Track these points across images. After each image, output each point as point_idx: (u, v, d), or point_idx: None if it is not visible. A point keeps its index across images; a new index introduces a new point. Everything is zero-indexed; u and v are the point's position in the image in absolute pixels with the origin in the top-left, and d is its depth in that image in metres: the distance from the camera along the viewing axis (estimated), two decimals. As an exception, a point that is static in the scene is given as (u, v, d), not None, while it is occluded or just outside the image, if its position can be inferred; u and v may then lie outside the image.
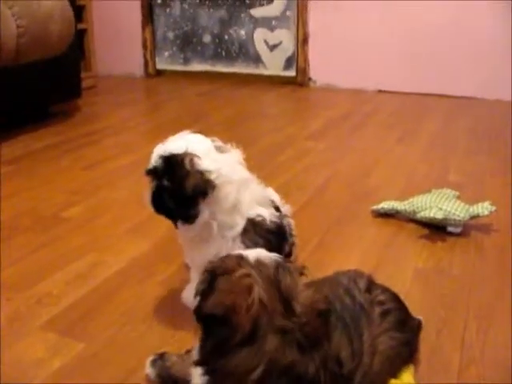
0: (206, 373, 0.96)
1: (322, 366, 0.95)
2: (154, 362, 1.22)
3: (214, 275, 0.98)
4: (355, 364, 1.03)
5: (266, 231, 1.43)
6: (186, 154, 1.34)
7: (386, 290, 1.22)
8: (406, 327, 1.18)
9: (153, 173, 1.38)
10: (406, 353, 1.18)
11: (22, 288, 1.60)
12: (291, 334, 0.93)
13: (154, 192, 1.39)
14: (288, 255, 1.55)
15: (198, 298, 0.99)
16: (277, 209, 1.54)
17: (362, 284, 1.18)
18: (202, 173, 1.33)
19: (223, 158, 1.42)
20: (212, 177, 1.33)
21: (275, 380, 0.92)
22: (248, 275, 0.95)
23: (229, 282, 0.95)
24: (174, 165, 1.34)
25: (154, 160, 1.36)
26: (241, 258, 0.99)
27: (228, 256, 1.02)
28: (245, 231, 1.41)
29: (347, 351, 1.03)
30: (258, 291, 0.93)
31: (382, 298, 1.17)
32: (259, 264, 0.98)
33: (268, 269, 0.97)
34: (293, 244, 1.60)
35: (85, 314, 1.48)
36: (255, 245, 1.37)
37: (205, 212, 1.36)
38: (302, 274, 1.01)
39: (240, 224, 1.41)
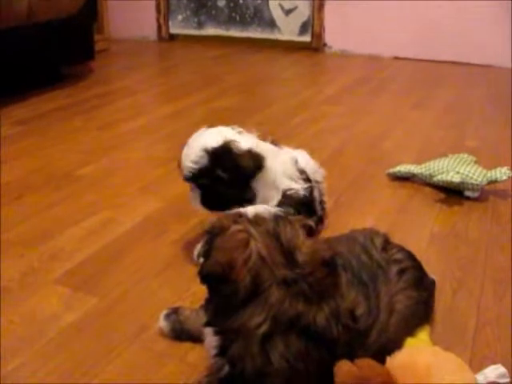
0: (216, 333, 0.96)
1: (333, 319, 0.94)
2: (167, 316, 1.21)
3: (213, 235, 0.98)
4: (371, 321, 1.02)
5: (296, 202, 1.45)
6: (228, 141, 1.37)
7: (401, 248, 1.20)
8: (422, 286, 1.17)
9: (201, 172, 1.38)
10: (422, 312, 1.16)
11: (35, 244, 1.60)
12: (295, 284, 0.92)
13: (205, 191, 1.41)
14: (319, 222, 1.58)
15: (202, 260, 0.99)
16: (307, 179, 1.54)
17: (379, 242, 1.17)
18: (249, 151, 1.38)
19: (249, 139, 1.44)
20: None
21: (284, 334, 0.91)
22: (243, 230, 0.94)
23: (224, 240, 0.95)
24: (223, 154, 1.36)
25: (195, 161, 1.37)
26: (238, 215, 0.99)
27: (225, 215, 1.01)
28: (279, 204, 1.43)
29: (363, 308, 1.02)
30: (255, 244, 0.92)
31: (398, 256, 1.15)
32: (257, 219, 0.98)
33: (267, 222, 0.97)
34: (323, 210, 1.61)
35: (98, 269, 1.47)
36: None
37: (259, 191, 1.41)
38: (303, 225, 1.00)
39: (276, 197, 1.43)
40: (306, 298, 0.92)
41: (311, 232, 1.03)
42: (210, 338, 0.99)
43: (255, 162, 1.38)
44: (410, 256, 1.20)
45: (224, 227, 0.96)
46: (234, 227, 0.95)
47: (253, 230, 0.94)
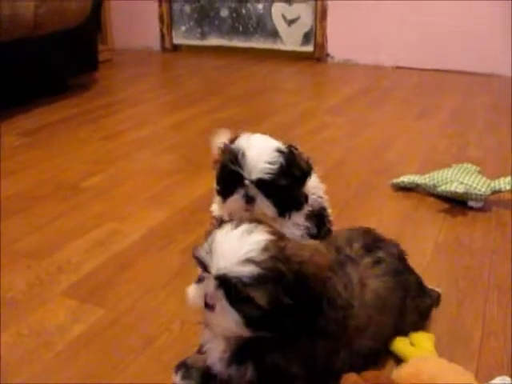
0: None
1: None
2: (185, 377, 1.09)
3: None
4: (349, 294, 1.07)
5: (313, 216, 1.45)
6: (291, 144, 1.38)
7: (391, 254, 1.21)
8: (401, 276, 1.18)
9: (281, 172, 1.32)
10: (402, 296, 1.18)
11: (42, 256, 1.61)
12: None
13: (278, 194, 1.35)
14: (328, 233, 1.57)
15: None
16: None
17: (358, 244, 1.18)
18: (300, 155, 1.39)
19: None
20: None
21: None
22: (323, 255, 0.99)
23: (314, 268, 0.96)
24: (294, 155, 1.35)
25: (272, 162, 1.30)
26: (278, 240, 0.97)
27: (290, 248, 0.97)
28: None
29: (340, 284, 1.06)
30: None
31: (380, 254, 1.17)
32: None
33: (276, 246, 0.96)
34: (329, 222, 1.62)
35: (104, 281, 1.48)
36: (306, 228, 1.41)
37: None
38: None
39: (305, 208, 1.42)
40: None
41: None
42: (218, 350, 1.00)
43: (310, 166, 1.39)
44: (396, 255, 1.22)
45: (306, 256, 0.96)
46: (322, 259, 0.99)
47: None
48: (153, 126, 2.85)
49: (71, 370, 1.17)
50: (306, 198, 1.39)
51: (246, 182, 1.30)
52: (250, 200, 1.32)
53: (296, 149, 1.37)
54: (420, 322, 1.26)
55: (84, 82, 3.62)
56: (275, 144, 1.34)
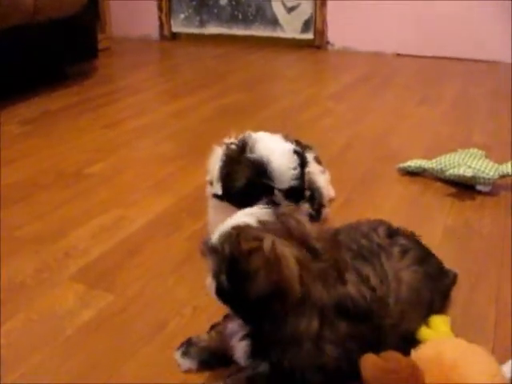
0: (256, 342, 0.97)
1: (361, 288, 0.97)
2: (185, 353, 1.11)
3: (236, 259, 0.93)
4: (385, 289, 1.04)
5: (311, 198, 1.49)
6: (297, 142, 1.43)
7: (408, 235, 1.21)
8: (428, 263, 1.18)
9: (302, 175, 1.37)
10: (432, 286, 1.16)
11: (49, 241, 1.59)
12: (326, 272, 0.94)
13: (300, 195, 1.38)
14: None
15: (227, 287, 0.95)
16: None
17: (382, 230, 1.18)
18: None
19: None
20: None
21: (330, 323, 0.91)
22: (278, 246, 0.92)
23: (261, 258, 0.91)
24: (302, 159, 1.38)
25: (294, 167, 1.33)
26: (250, 229, 0.95)
27: (233, 234, 0.95)
28: None
29: (375, 278, 1.03)
30: (291, 252, 0.92)
31: (402, 241, 1.16)
32: (264, 225, 0.96)
33: (276, 226, 0.96)
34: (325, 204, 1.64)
35: (112, 267, 1.47)
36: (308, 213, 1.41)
37: None
38: (299, 211, 1.05)
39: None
40: (337, 282, 0.94)
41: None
42: (241, 351, 1.00)
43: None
44: (416, 241, 1.22)
45: (252, 248, 0.92)
46: (266, 243, 0.91)
47: (277, 242, 0.92)
48: (153, 114, 2.82)
49: (80, 356, 1.16)
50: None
51: (276, 191, 1.30)
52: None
53: (300, 143, 1.42)
54: (443, 305, 1.25)
55: (83, 71, 3.59)
56: (290, 146, 1.35)
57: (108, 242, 1.58)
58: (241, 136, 1.38)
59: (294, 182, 1.32)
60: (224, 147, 1.37)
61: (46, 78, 3.26)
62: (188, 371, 1.10)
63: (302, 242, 0.94)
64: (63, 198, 1.87)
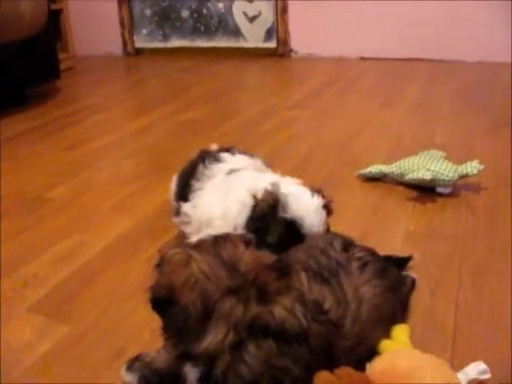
0: (188, 360, 0.95)
1: (297, 310, 0.94)
2: (130, 368, 1.11)
3: (158, 266, 0.99)
4: (342, 311, 1.02)
5: None
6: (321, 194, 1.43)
7: (364, 248, 1.20)
8: (387, 275, 1.17)
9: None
10: (393, 299, 1.16)
11: (8, 271, 1.56)
12: (244, 291, 0.92)
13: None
14: None
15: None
16: None
17: (338, 244, 1.17)
18: None
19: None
20: None
21: (252, 338, 0.90)
22: (182, 253, 0.95)
23: (166, 265, 0.96)
24: None
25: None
26: (181, 243, 1.05)
27: (168, 245, 1.03)
28: None
29: (331, 300, 1.02)
30: (196, 263, 0.93)
31: (359, 254, 1.16)
32: (199, 242, 1.00)
33: (208, 243, 0.98)
34: None
35: (71, 294, 1.44)
36: None
37: None
38: (245, 242, 1.00)
39: None
40: (258, 300, 0.92)
41: None
42: (191, 373, 0.97)
43: None
44: (372, 252, 1.21)
45: (168, 254, 0.96)
46: (173, 251, 0.96)
47: (192, 251, 0.95)
48: (116, 132, 2.80)
49: (40, 388, 1.13)
50: None
51: None
52: None
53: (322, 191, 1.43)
54: (402, 315, 1.24)
55: (46, 92, 3.56)
56: (319, 201, 1.37)
57: (66, 269, 1.55)
58: (269, 190, 1.37)
59: None
60: (253, 200, 1.36)
61: (5, 102, 3.21)
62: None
63: (227, 264, 0.94)
64: (24, 225, 1.84)
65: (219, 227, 1.35)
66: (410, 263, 1.42)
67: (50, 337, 1.28)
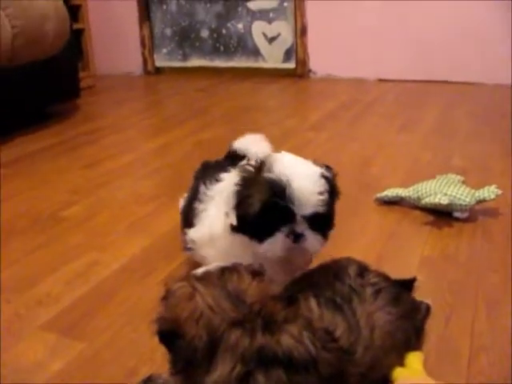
0: None
1: (306, 338, 0.93)
2: None
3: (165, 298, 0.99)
4: (354, 338, 1.01)
5: None
6: (327, 167, 1.32)
7: (379, 273, 1.19)
8: (402, 301, 1.15)
9: (322, 213, 1.20)
10: (407, 326, 1.14)
11: (22, 289, 1.57)
12: (249, 322, 0.91)
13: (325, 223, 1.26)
14: None
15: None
16: None
17: (353, 270, 1.16)
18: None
19: None
20: None
21: (261, 369, 0.89)
22: (187, 285, 0.95)
23: (171, 299, 0.96)
24: (332, 185, 1.27)
25: (321, 192, 1.18)
26: (186, 275, 1.01)
27: (173, 278, 1.02)
28: None
29: (343, 327, 1.01)
30: (201, 296, 0.93)
31: (374, 280, 1.14)
32: (203, 274, 0.99)
33: (213, 275, 0.98)
34: None
35: (84, 313, 1.44)
36: None
37: None
38: (252, 273, 0.99)
39: None
40: (264, 330, 0.91)
41: None
42: None
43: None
44: (387, 278, 1.19)
45: (171, 287, 0.97)
46: (178, 284, 0.96)
47: (197, 284, 0.95)
48: (135, 151, 2.82)
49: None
50: None
51: (298, 218, 1.16)
52: (298, 237, 1.19)
53: (331, 169, 1.29)
54: (417, 342, 1.22)
55: (66, 110, 3.60)
56: (318, 169, 1.21)
57: (81, 288, 1.56)
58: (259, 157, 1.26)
59: (320, 208, 1.17)
60: (239, 168, 1.25)
61: (27, 120, 3.26)
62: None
63: (232, 296, 0.94)
64: (38, 243, 1.85)
65: (221, 247, 1.28)
66: (417, 285, 1.40)
67: (63, 355, 1.28)
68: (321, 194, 1.17)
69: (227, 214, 1.24)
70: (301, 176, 1.16)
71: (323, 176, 1.20)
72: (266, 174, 1.17)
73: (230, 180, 1.30)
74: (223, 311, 0.92)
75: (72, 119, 3.49)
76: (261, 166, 1.20)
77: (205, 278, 0.97)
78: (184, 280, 0.97)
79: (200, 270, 1.02)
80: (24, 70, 3.07)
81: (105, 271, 1.65)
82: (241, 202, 1.20)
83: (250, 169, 1.22)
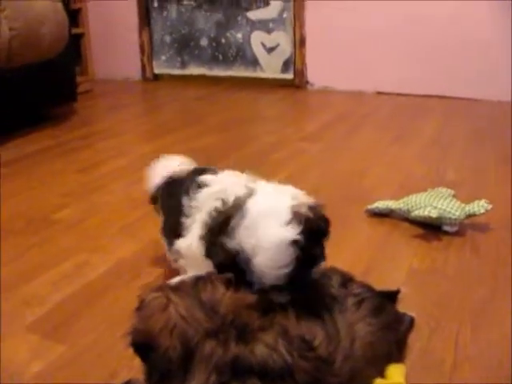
0: None
1: (281, 347, 0.93)
2: None
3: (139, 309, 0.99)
4: (333, 348, 1.01)
5: None
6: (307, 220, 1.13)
7: (363, 284, 1.20)
8: (384, 312, 1.15)
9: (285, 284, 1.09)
10: (388, 338, 1.14)
11: (10, 289, 1.57)
12: (223, 333, 0.92)
13: None
14: None
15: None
16: None
17: (336, 280, 1.17)
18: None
19: None
20: None
21: (236, 379, 0.89)
22: (161, 297, 0.95)
23: (145, 310, 0.96)
24: (309, 244, 1.10)
25: (275, 277, 1.06)
26: (160, 285, 1.02)
27: (148, 289, 1.02)
28: None
29: (321, 336, 1.01)
30: (174, 307, 0.93)
31: (357, 290, 1.15)
32: (179, 284, 1.00)
33: (187, 285, 0.98)
34: None
35: (69, 316, 1.44)
36: None
37: None
38: (226, 282, 1.00)
39: None
40: (237, 340, 0.92)
41: None
42: None
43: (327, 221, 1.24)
44: (370, 289, 1.20)
45: (145, 298, 0.97)
46: (152, 295, 0.96)
47: (171, 295, 0.95)
48: (128, 156, 2.82)
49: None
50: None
51: (257, 286, 1.05)
52: None
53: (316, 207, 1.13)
54: (399, 354, 1.22)
55: (63, 113, 3.61)
56: (290, 233, 1.03)
57: (67, 289, 1.56)
58: (234, 199, 1.13)
59: (281, 281, 1.05)
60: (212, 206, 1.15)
61: (23, 122, 3.26)
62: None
63: (206, 306, 0.94)
64: (30, 244, 1.85)
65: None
66: (402, 297, 1.40)
67: (45, 357, 1.28)
68: (286, 266, 1.04)
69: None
70: (265, 247, 1.02)
71: (294, 242, 1.04)
72: (226, 240, 1.07)
73: (214, 185, 1.28)
74: (197, 322, 0.92)
75: (68, 123, 3.49)
76: (226, 220, 1.09)
77: (179, 288, 0.98)
78: (158, 290, 0.97)
79: (175, 280, 1.02)
80: (21, 72, 3.08)
81: (92, 273, 1.65)
82: (207, 243, 1.15)
83: (214, 221, 1.14)
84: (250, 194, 1.13)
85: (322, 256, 1.12)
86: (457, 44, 3.80)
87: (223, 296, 0.96)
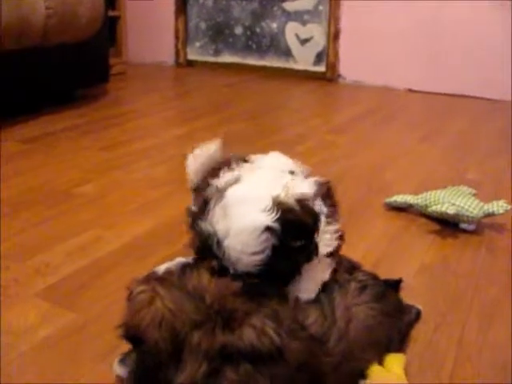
0: None
1: (270, 329, 0.93)
2: (122, 361, 1.10)
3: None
4: (327, 327, 1.01)
5: None
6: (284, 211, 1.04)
7: (368, 273, 1.20)
8: (386, 300, 1.16)
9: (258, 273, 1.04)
10: (389, 324, 1.14)
11: (23, 258, 1.60)
12: (209, 322, 0.92)
13: None
14: None
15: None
16: None
17: (342, 266, 1.18)
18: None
19: None
20: None
21: (229, 365, 0.90)
22: (147, 290, 0.96)
23: (132, 305, 0.97)
24: (288, 232, 1.02)
25: (247, 263, 1.00)
26: (147, 275, 1.01)
27: (135, 279, 1.02)
28: None
29: (315, 314, 1.02)
30: (161, 300, 0.94)
31: (361, 277, 1.15)
32: (166, 274, 1.00)
33: (174, 276, 0.99)
34: None
35: (80, 285, 1.47)
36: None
37: None
38: (212, 270, 1.00)
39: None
40: (224, 328, 0.92)
41: None
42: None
43: (316, 215, 1.11)
44: (375, 277, 1.20)
45: (131, 291, 0.98)
46: (139, 288, 0.97)
47: (158, 287, 0.95)
48: (155, 138, 2.85)
49: (30, 374, 1.15)
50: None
51: (231, 272, 1.01)
52: None
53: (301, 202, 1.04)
54: (400, 344, 1.22)
55: (95, 94, 3.65)
56: (265, 218, 0.98)
57: (80, 261, 1.58)
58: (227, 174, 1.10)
59: (254, 269, 1.00)
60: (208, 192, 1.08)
61: (55, 99, 3.32)
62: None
63: (192, 296, 0.95)
64: (47, 216, 1.89)
65: None
66: (412, 289, 1.40)
67: (52, 323, 1.31)
68: (259, 253, 0.98)
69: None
70: (236, 230, 0.98)
71: (267, 229, 0.97)
72: (200, 222, 1.04)
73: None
74: (184, 314, 0.93)
75: (99, 102, 3.53)
76: (205, 203, 1.05)
77: (165, 278, 0.98)
78: (145, 283, 0.97)
79: (162, 267, 1.03)
80: (55, 51, 3.12)
81: (106, 247, 1.67)
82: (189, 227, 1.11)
83: (195, 207, 1.13)
84: (236, 180, 1.07)
85: (313, 252, 1.05)
86: (491, 44, 3.74)
87: (209, 284, 0.96)
